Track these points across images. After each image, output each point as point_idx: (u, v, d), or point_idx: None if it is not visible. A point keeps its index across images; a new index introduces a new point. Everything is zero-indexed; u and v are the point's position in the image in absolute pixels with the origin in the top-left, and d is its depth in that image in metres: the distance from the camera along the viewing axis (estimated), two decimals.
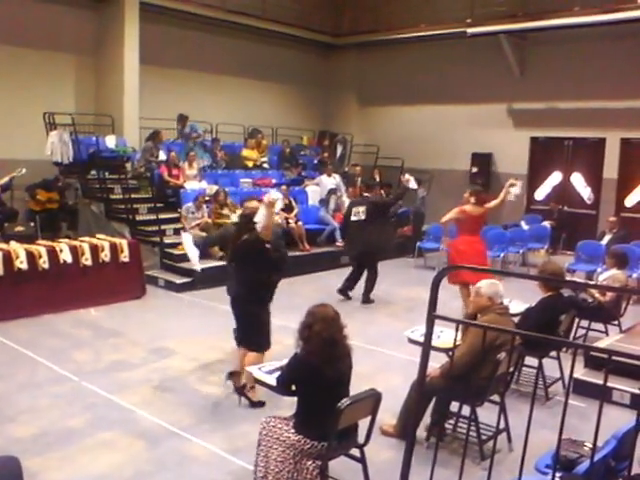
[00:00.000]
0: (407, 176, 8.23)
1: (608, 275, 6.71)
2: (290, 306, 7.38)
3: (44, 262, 7.28)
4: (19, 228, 8.96)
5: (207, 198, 10.04)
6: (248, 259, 4.88)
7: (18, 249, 7.22)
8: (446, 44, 13.69)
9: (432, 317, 2.76)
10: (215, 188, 10.35)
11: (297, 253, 10.37)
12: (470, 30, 12.65)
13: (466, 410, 4.15)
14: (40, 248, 7.40)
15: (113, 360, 5.90)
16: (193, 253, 8.66)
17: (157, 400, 5.02)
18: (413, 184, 8.27)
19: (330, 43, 15.65)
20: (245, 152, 12.81)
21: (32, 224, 9.54)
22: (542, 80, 12.74)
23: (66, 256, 7.49)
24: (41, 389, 5.15)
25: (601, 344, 5.69)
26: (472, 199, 7.33)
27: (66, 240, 8.20)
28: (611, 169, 12.30)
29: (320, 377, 3.29)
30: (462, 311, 7.01)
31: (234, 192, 10.77)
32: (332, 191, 11.79)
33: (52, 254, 7.40)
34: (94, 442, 4.27)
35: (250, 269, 4.89)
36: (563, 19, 11.51)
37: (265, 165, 12.95)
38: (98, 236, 8.43)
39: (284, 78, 15.07)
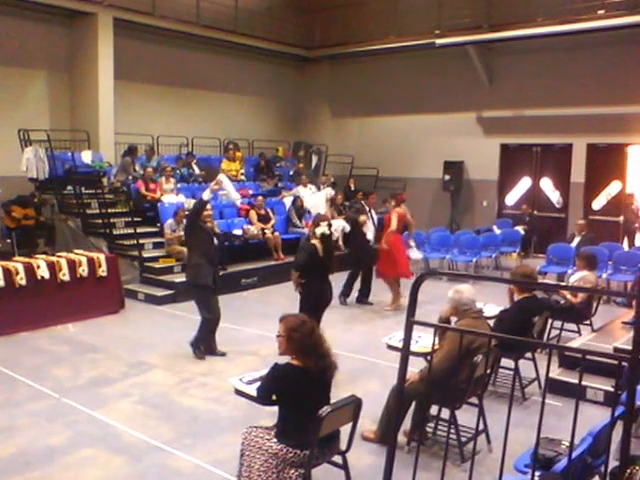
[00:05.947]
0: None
1: (579, 276, 6.87)
2: (265, 315, 7.43)
3: (21, 279, 7.20)
4: None
5: (187, 212, 10.01)
6: None
7: None
8: (416, 55, 13.95)
9: (411, 323, 2.79)
10: (194, 202, 10.29)
11: (272, 262, 10.44)
12: (438, 41, 12.93)
13: (445, 413, 4.23)
14: (17, 265, 7.31)
15: (93, 376, 5.86)
16: None
17: (138, 415, 5.00)
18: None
19: (303, 56, 15.80)
20: (225, 165, 12.80)
21: (8, 241, 9.42)
22: (510, 88, 13.06)
23: (43, 272, 7.42)
24: (20, 407, 5.09)
25: (574, 344, 5.83)
26: (393, 202, 8.64)
27: (43, 256, 8.11)
28: (578, 173, 12.65)
29: (301, 384, 3.33)
30: (390, 302, 8.54)
31: (214, 205, 10.75)
32: (294, 202, 11.73)
33: (29, 270, 7.32)
34: (75, 459, 4.24)
35: None
36: (526, 30, 11.93)
37: (242, 177, 12.98)
38: (75, 251, 8.37)
39: (259, 91, 15.19)
